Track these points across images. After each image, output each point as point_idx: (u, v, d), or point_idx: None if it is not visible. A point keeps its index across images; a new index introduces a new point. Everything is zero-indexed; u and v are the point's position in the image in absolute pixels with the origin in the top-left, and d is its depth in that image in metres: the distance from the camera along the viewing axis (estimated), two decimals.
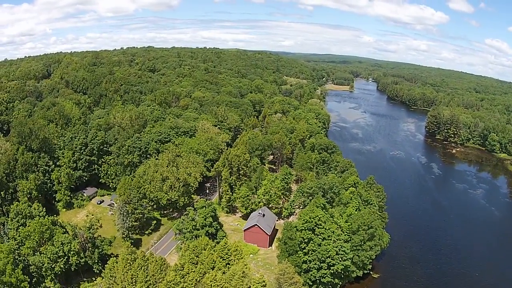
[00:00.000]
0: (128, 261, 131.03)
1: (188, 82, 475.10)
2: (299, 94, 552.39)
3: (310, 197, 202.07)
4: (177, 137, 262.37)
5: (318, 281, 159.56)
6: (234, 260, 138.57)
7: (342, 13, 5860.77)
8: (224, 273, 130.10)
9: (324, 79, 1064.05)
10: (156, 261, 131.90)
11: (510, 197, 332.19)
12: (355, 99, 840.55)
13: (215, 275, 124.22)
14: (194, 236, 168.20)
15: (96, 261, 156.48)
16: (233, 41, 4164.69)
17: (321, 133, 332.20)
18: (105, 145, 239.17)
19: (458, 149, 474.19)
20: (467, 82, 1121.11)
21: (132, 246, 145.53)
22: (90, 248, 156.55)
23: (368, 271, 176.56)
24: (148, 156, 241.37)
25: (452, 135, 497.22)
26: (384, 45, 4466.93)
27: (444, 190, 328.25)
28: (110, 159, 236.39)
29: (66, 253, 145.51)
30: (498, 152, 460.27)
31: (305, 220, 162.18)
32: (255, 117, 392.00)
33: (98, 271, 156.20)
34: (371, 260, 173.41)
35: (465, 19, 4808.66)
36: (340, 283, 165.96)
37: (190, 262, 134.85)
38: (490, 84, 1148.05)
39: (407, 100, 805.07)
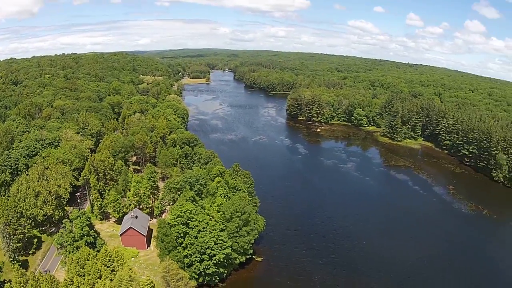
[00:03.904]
0: (21, 285, 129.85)
1: (49, 91, 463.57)
2: (156, 92, 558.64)
3: (179, 192, 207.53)
4: (43, 149, 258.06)
5: (203, 273, 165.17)
6: (117, 266, 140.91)
7: (199, 6, 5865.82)
8: (111, 280, 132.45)
9: (180, 74, 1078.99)
10: (47, 279, 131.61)
11: (384, 166, 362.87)
12: (212, 91, 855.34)
13: (104, 284, 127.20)
14: (75, 248, 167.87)
15: None
16: (91, 44, 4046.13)
17: (181, 128, 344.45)
18: None
19: (323, 127, 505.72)
20: (328, 63, 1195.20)
21: (21, 268, 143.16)
22: None
23: (250, 256, 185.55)
24: (19, 173, 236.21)
25: (316, 115, 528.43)
26: (240, 35, 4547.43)
27: (313, 168, 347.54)
28: None
29: None
30: (366, 125, 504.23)
31: (177, 215, 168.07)
32: (115, 119, 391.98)
33: None
34: (251, 245, 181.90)
35: (328, 3, 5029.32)
36: (226, 271, 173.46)
37: (78, 275, 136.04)
38: (353, 62, 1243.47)
39: (265, 86, 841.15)
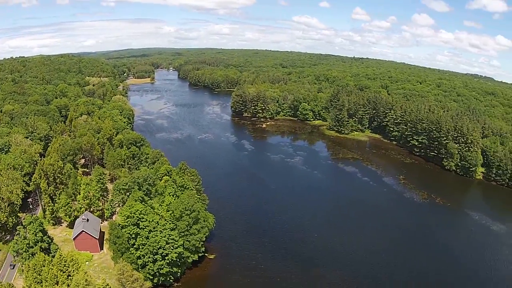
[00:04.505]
0: None
1: None
2: (102, 93, 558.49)
3: (128, 193, 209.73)
4: None
5: (157, 273, 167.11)
6: (73, 270, 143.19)
7: (144, 5, 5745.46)
8: (68, 285, 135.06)
9: (125, 74, 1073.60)
10: None
11: (332, 159, 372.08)
12: (157, 90, 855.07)
13: None
14: (30, 255, 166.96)
15: None
16: (38, 47, 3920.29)
17: (128, 128, 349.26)
18: None
19: (268, 123, 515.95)
20: (272, 59, 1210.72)
21: None
22: None
23: (203, 254, 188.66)
24: None
25: (261, 111, 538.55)
26: (185, 33, 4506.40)
27: (260, 164, 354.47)
28: None
29: None
30: (312, 120, 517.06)
31: (127, 215, 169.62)
32: (63, 122, 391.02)
33: None
34: (203, 243, 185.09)
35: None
36: (179, 271, 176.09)
37: (35, 282, 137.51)
38: (298, 58, 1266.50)
39: (210, 84, 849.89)
